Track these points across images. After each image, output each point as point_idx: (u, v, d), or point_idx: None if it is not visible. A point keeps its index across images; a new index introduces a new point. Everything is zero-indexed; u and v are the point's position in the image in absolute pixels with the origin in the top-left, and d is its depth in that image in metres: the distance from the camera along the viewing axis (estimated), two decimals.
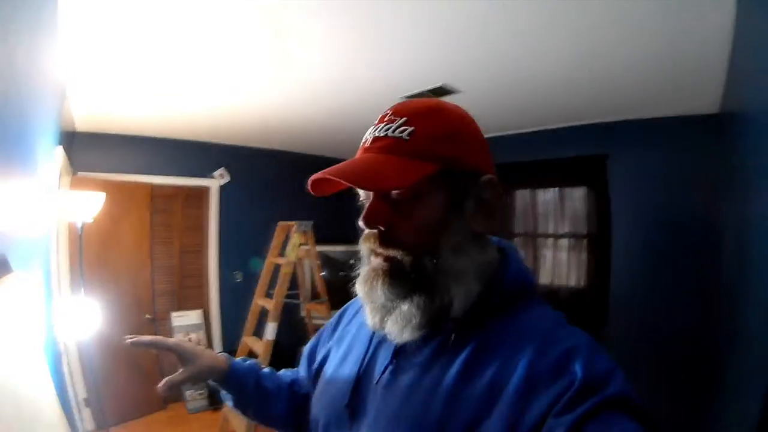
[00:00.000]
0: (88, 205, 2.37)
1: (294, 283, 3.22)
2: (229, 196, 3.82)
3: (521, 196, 3.56)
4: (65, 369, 2.07)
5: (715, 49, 1.79)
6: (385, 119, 0.59)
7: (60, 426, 0.71)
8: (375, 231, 0.58)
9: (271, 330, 2.75)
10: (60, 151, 2.18)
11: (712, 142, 2.50)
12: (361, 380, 0.64)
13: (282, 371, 0.90)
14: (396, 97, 2.52)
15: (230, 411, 3.07)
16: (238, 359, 0.82)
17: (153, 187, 3.49)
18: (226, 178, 3.74)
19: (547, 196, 3.44)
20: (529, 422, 0.46)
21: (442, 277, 0.56)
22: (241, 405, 0.81)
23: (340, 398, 0.65)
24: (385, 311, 0.59)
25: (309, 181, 0.60)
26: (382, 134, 0.57)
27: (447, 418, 0.51)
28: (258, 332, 2.89)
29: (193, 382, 0.72)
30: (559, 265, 3.33)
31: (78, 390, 2.94)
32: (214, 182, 3.73)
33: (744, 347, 1.48)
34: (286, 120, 3.11)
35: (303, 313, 3.36)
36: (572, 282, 3.27)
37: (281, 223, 2.90)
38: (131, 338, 0.70)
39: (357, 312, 0.78)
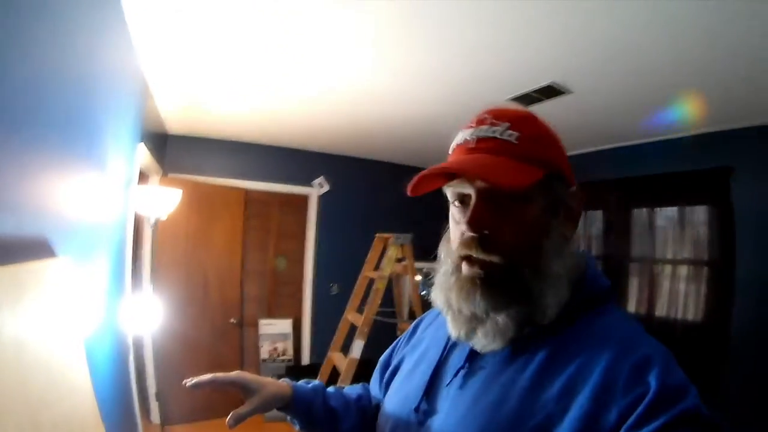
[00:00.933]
0: (164, 201, 2.33)
1: (391, 300, 3.14)
2: (328, 205, 3.79)
3: (637, 215, 3.16)
4: (131, 362, 2.12)
5: None
6: (487, 122, 0.59)
7: (89, 408, 0.76)
8: (471, 236, 0.57)
9: (357, 348, 2.65)
10: (142, 148, 2.22)
11: None
12: (432, 384, 0.64)
13: (347, 387, 0.90)
14: (502, 99, 2.36)
15: None
16: (301, 382, 0.80)
17: (247, 192, 3.55)
18: (326, 187, 3.72)
19: (664, 216, 3.05)
20: (603, 428, 0.46)
21: (540, 282, 0.55)
22: (309, 427, 0.80)
23: (410, 402, 0.65)
24: (476, 322, 0.58)
25: (416, 177, 0.59)
26: (489, 135, 0.58)
27: (519, 417, 0.51)
28: (345, 348, 2.82)
29: (260, 412, 0.71)
30: (674, 294, 2.98)
31: (150, 383, 3.02)
32: (314, 190, 3.72)
33: None
34: (386, 128, 3.04)
35: (398, 333, 3.26)
36: (689, 315, 2.91)
37: (379, 235, 2.81)
38: (190, 381, 0.68)
39: (434, 320, 0.79)
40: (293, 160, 3.67)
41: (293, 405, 0.75)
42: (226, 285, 3.48)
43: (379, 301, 2.64)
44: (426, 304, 3.02)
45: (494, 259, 0.56)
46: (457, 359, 0.64)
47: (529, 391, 0.52)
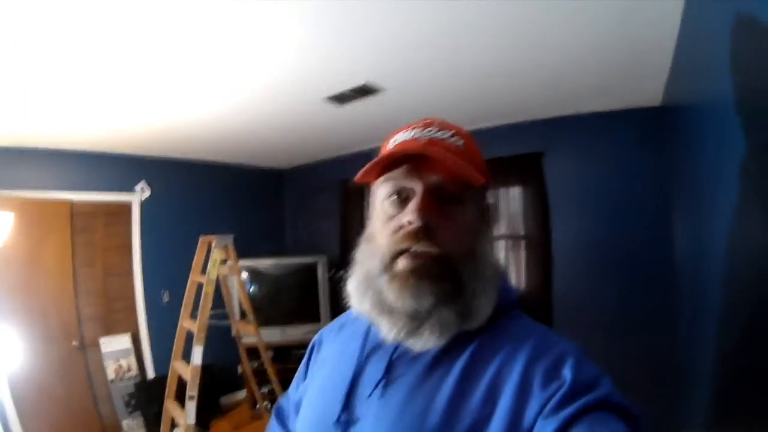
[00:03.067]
0: None
1: (222, 301, 3.08)
2: (152, 212, 3.60)
3: None
4: None
5: (661, 37, 1.69)
6: (434, 125, 0.61)
7: None
8: (417, 226, 0.55)
9: (197, 354, 2.58)
10: None
11: (654, 134, 2.51)
12: (351, 396, 0.62)
13: None
14: (319, 98, 2.40)
15: None
16: None
17: (73, 205, 3.25)
18: (147, 192, 3.53)
19: None
20: (527, 424, 0.47)
21: (474, 284, 0.57)
22: None
23: (329, 416, 0.62)
24: (418, 319, 0.57)
25: (371, 163, 0.58)
26: (440, 136, 0.60)
27: (447, 425, 0.51)
28: (187, 356, 2.72)
29: None
30: None
31: (14, 428, 2.75)
32: (136, 197, 3.51)
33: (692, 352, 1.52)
34: (208, 127, 2.92)
35: (233, 334, 3.21)
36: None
37: (203, 238, 2.74)
38: None
39: (339, 331, 0.77)
40: (115, 166, 3.42)
41: None
42: (62, 307, 3.21)
43: (210, 306, 2.59)
44: (257, 301, 3.02)
45: (437, 251, 0.55)
46: (375, 370, 0.62)
47: (454, 398, 0.53)
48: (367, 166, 0.59)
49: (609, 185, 2.79)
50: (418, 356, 0.58)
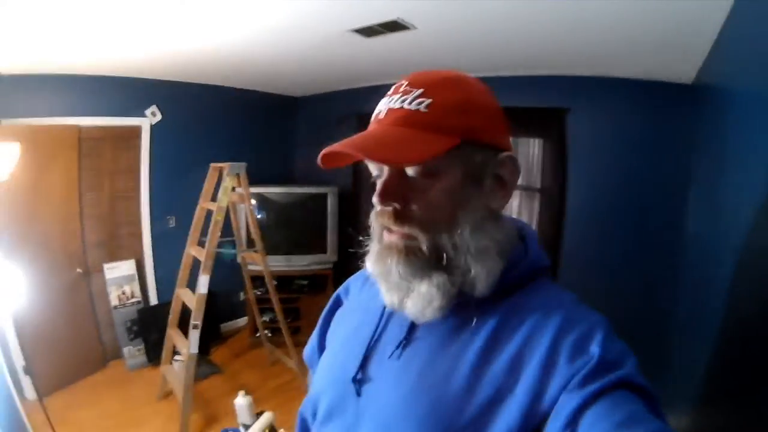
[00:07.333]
0: (1, 161, 2.10)
1: (230, 229, 3.05)
2: (161, 136, 3.50)
3: None
4: None
5: (707, 21, 1.63)
6: (401, 90, 0.56)
7: None
8: (389, 208, 0.55)
9: (203, 283, 2.57)
10: None
11: (681, 110, 2.50)
12: (370, 354, 0.63)
13: None
14: (345, 29, 2.29)
15: (168, 369, 2.94)
16: None
17: (81, 130, 3.15)
18: (158, 117, 3.43)
19: None
20: (550, 398, 0.47)
21: (462, 255, 0.55)
22: None
23: (347, 372, 0.63)
24: (403, 292, 0.57)
25: (320, 155, 0.55)
26: (397, 106, 0.55)
27: (469, 391, 0.51)
28: (192, 284, 2.71)
29: None
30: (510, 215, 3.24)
31: (17, 359, 2.73)
32: (146, 121, 3.40)
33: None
34: (222, 55, 2.80)
35: (239, 261, 3.19)
36: None
37: (214, 165, 2.67)
38: None
39: (364, 284, 0.76)
40: (125, 90, 3.30)
41: None
42: (67, 234, 3.17)
43: (219, 234, 2.55)
44: (263, 229, 3.00)
45: (411, 231, 0.55)
46: (397, 330, 0.62)
47: (477, 365, 0.52)
48: (319, 157, 0.56)
49: (629, 150, 2.77)
50: (440, 321, 0.57)
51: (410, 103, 0.54)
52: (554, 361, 0.49)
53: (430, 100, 0.53)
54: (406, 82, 0.56)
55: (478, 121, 0.55)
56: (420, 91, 0.54)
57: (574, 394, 0.46)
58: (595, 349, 0.49)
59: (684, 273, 2.24)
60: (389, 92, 0.58)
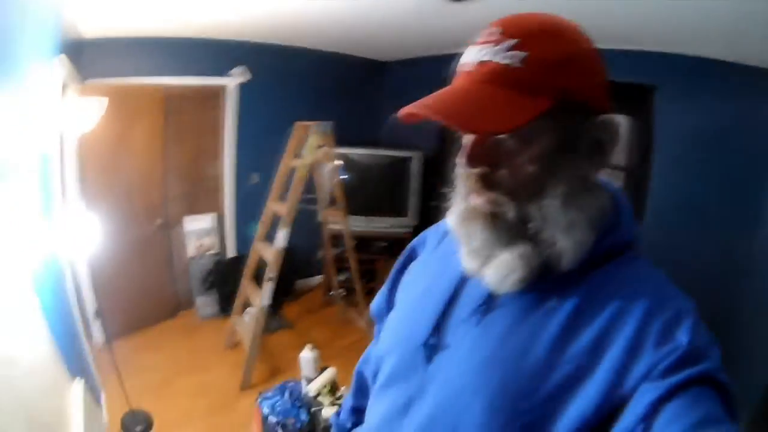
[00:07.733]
0: (89, 112, 2.17)
1: (312, 187, 3.11)
2: (247, 96, 3.58)
3: None
4: (70, 283, 2.03)
5: None
6: (492, 38, 0.49)
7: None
8: (476, 171, 0.52)
9: (282, 237, 2.66)
10: (63, 60, 1.98)
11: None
12: (444, 318, 0.59)
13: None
14: None
15: (238, 320, 3.08)
16: None
17: (165, 89, 3.29)
18: (247, 76, 3.52)
19: None
20: (630, 385, 0.45)
21: (550, 226, 0.51)
22: None
23: (417, 335, 0.60)
24: (483, 259, 0.54)
25: (399, 112, 0.51)
26: (487, 58, 0.49)
27: (548, 366, 0.49)
28: (271, 238, 2.80)
29: None
30: None
31: (88, 302, 2.90)
32: (231, 81, 3.49)
33: None
34: (314, 17, 2.84)
35: (320, 219, 3.26)
36: None
37: (299, 124, 2.73)
38: None
39: (443, 238, 0.72)
40: (211, 52, 3.38)
41: None
42: (149, 188, 3.33)
43: (301, 189, 2.62)
44: (345, 189, 3.04)
45: (497, 197, 0.52)
46: (475, 293, 0.58)
47: (559, 340, 0.50)
48: (399, 113, 0.52)
49: (721, 138, 2.62)
50: (521, 291, 0.54)
51: (503, 57, 0.48)
52: (640, 345, 0.46)
53: (525, 54, 0.47)
54: (499, 29, 0.49)
55: (578, 79, 0.49)
56: (515, 41, 0.47)
57: (656, 385, 0.43)
58: (683, 337, 0.46)
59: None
60: (478, 40, 0.51)
